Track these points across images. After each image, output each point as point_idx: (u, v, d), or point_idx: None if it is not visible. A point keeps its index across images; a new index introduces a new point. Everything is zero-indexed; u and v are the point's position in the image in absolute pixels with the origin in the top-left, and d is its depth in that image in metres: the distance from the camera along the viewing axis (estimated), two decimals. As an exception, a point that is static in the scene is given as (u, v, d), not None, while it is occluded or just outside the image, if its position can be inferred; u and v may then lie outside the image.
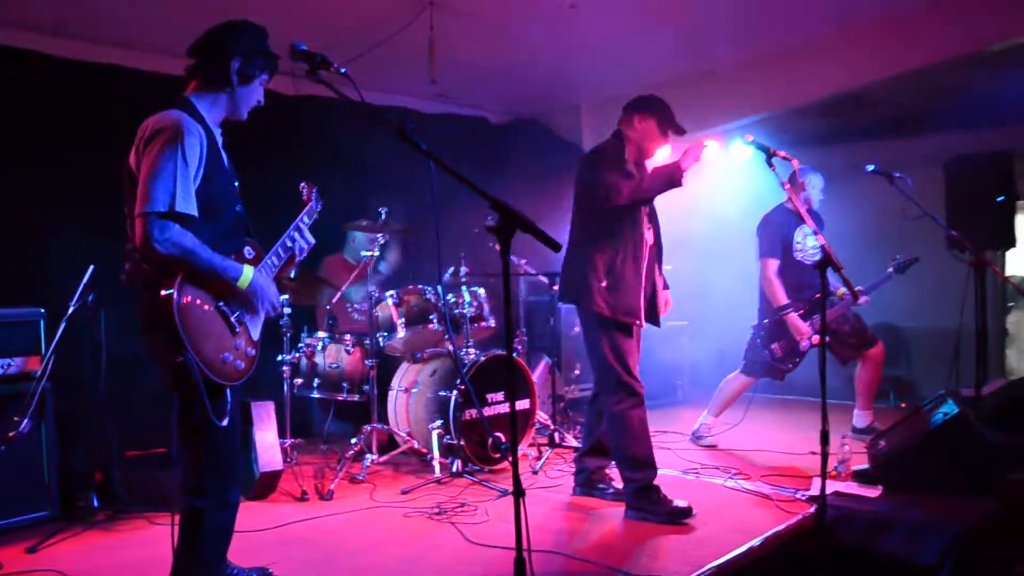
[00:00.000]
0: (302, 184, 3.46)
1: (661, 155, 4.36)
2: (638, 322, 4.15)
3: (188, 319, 2.53)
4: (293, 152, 5.83)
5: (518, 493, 2.27)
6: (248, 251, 2.86)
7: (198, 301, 2.61)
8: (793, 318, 5.39)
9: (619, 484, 4.29)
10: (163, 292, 2.52)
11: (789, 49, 6.33)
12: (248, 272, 2.73)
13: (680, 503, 4.01)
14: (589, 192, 4.10)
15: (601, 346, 4.11)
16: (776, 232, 5.58)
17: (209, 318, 2.65)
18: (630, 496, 4.10)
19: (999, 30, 5.25)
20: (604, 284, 4.05)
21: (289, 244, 3.07)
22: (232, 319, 2.73)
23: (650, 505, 4.02)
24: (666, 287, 4.54)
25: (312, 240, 3.18)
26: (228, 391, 2.72)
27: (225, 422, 2.69)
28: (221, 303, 2.70)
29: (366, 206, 5.71)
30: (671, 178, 3.90)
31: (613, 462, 4.32)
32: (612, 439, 4.19)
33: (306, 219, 3.25)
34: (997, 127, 6.86)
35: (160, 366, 2.64)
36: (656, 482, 4.10)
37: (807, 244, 5.56)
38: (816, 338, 5.28)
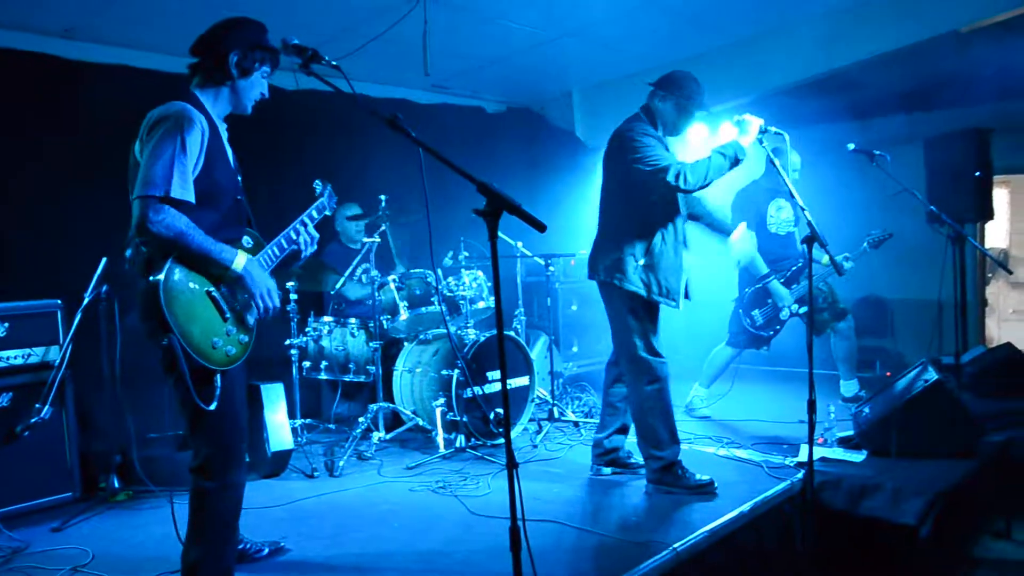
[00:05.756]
0: (316, 181, 3.45)
1: (690, 132, 4.31)
2: (675, 303, 4.11)
3: (174, 303, 2.55)
4: (297, 145, 5.87)
5: (511, 465, 2.35)
6: (247, 241, 2.90)
7: (189, 285, 2.63)
8: (776, 285, 5.53)
9: (638, 458, 4.32)
10: (151, 277, 2.55)
11: (774, 31, 6.36)
12: (241, 258, 2.73)
13: (703, 477, 4.05)
14: (641, 175, 3.94)
15: (629, 325, 4.07)
16: (750, 206, 5.70)
17: (198, 303, 2.65)
18: (653, 472, 4.11)
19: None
20: (642, 263, 4.02)
21: (293, 236, 3.06)
22: (224, 305, 2.74)
23: (673, 480, 4.06)
24: None
25: (315, 235, 3.15)
26: (219, 376, 2.70)
27: (213, 406, 2.66)
28: (213, 289, 2.71)
29: (364, 194, 5.76)
30: (735, 158, 3.91)
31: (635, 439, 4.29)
32: (638, 417, 4.15)
33: (314, 214, 3.22)
34: (973, 105, 6.95)
35: (156, 350, 2.64)
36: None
37: (780, 217, 5.71)
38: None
